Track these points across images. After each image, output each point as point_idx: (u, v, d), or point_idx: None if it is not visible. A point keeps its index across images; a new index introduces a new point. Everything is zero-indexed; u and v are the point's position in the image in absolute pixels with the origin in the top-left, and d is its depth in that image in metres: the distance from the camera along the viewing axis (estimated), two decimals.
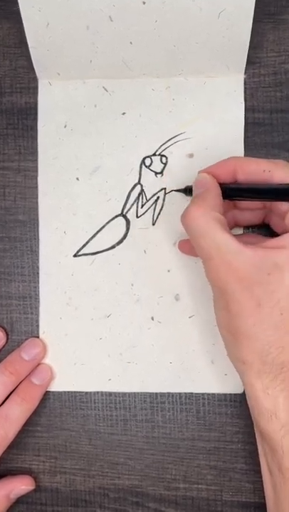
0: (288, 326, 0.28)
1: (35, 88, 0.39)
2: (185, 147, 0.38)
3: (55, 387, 0.39)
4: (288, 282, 0.28)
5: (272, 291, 0.28)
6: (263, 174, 0.31)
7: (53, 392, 0.39)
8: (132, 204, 0.38)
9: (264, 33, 0.38)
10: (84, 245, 0.38)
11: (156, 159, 0.38)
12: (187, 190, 0.35)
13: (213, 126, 0.38)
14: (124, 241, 0.38)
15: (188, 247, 0.36)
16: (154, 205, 0.38)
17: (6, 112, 0.39)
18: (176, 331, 0.38)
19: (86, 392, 0.39)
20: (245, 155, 0.38)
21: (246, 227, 0.37)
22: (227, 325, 0.30)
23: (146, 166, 0.38)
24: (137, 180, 0.38)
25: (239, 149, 0.38)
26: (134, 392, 0.39)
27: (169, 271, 0.37)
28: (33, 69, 0.38)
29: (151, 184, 0.38)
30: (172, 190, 0.36)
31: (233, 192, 0.32)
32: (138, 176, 0.38)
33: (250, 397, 0.30)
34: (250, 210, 0.35)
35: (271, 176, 0.31)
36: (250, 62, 0.37)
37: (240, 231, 0.37)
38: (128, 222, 0.38)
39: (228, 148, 0.38)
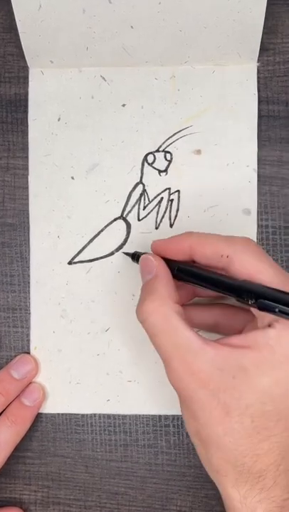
0: (262, 432, 0.27)
1: (26, 78, 0.38)
2: (192, 143, 0.37)
3: (48, 408, 0.37)
4: (256, 386, 0.27)
5: (239, 397, 0.27)
6: (221, 259, 0.29)
7: (45, 414, 0.38)
8: (133, 206, 0.37)
9: (279, 16, 0.37)
10: (80, 251, 0.37)
11: (159, 156, 0.37)
12: (135, 257, 0.34)
13: (223, 119, 0.37)
14: (125, 247, 0.37)
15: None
16: (157, 206, 0.37)
17: None
18: None
19: (82, 415, 0.37)
20: (258, 151, 0.37)
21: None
22: (197, 433, 0.28)
23: (148, 164, 0.37)
24: (138, 180, 0.37)
25: (252, 145, 0.37)
26: (136, 415, 0.37)
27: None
28: (23, 56, 0.37)
29: (155, 184, 0.37)
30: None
31: (183, 275, 0.30)
32: (140, 174, 0.37)
33: (228, 508, 0.29)
34: None
35: (229, 263, 0.28)
36: (263, 48, 0.36)
37: None
38: (128, 225, 0.37)
39: (239, 143, 0.37)
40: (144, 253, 0.33)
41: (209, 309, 0.34)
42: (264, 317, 0.28)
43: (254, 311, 0.28)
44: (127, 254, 0.36)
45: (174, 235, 0.31)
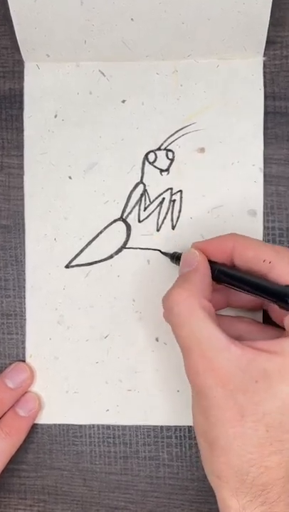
0: (275, 444, 0.27)
1: (21, 72, 0.37)
2: (195, 140, 0.37)
3: (44, 419, 0.37)
4: (277, 395, 0.27)
5: (258, 402, 0.27)
6: (262, 264, 0.29)
7: (41, 424, 0.37)
8: (133, 207, 0.37)
9: (287, 8, 0.37)
10: (77, 255, 0.37)
11: (161, 154, 0.37)
12: (174, 257, 0.35)
13: (228, 116, 0.37)
14: (124, 250, 0.37)
15: None
16: (158, 208, 0.37)
17: None
18: None
19: (80, 426, 0.37)
20: (265, 149, 0.36)
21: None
22: (204, 433, 0.28)
23: (149, 163, 0.37)
24: (138, 179, 0.37)
25: (258, 143, 0.36)
26: (136, 425, 0.37)
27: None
28: (18, 50, 0.37)
29: (156, 184, 0.37)
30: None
31: (223, 277, 0.31)
32: (140, 174, 0.37)
33: None
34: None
35: (270, 268, 0.29)
36: (270, 41, 0.36)
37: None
38: (129, 227, 0.37)
39: (244, 141, 0.36)
40: (180, 253, 0.34)
41: (235, 322, 0.34)
42: None
43: (286, 320, 0.29)
44: (165, 254, 0.36)
45: (218, 236, 0.32)
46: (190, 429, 0.37)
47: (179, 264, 0.33)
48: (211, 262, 0.31)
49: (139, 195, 0.37)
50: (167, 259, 0.36)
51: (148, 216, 0.37)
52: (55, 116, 0.37)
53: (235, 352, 0.27)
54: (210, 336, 0.28)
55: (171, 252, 0.35)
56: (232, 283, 0.31)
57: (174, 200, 0.37)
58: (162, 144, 0.37)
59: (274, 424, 0.26)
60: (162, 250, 0.36)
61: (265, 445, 0.26)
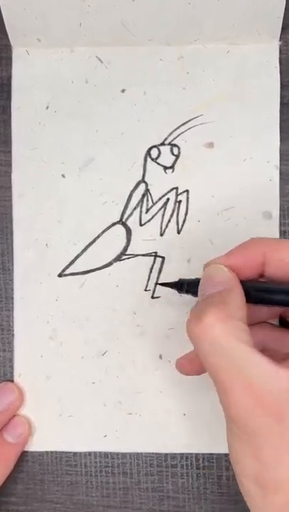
0: None
1: (9, 59, 0.37)
2: (203, 134, 0.36)
3: (35, 446, 0.36)
4: None
5: None
6: None
7: (31, 452, 0.36)
8: (134, 208, 0.36)
9: None
10: (72, 262, 0.37)
11: (165, 150, 0.36)
12: (180, 285, 0.32)
13: (240, 107, 0.36)
14: (124, 256, 0.36)
15: (193, 366, 0.33)
16: (162, 209, 0.36)
17: None
18: None
19: (74, 453, 0.36)
20: (281, 144, 0.36)
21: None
22: (256, 477, 0.26)
23: (152, 159, 0.36)
24: (140, 178, 0.36)
25: (273, 137, 0.36)
26: (137, 453, 0.36)
27: (181, 295, 0.34)
28: (5, 34, 0.36)
29: (159, 182, 0.36)
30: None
31: (260, 296, 0.29)
32: (142, 171, 0.36)
33: None
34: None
35: None
36: (286, 24, 0.35)
37: None
38: (129, 231, 0.36)
39: (258, 135, 0.36)
40: (192, 279, 0.31)
41: (256, 330, 0.32)
42: None
43: None
44: (165, 285, 0.33)
45: (236, 246, 0.30)
46: (197, 457, 0.36)
47: (189, 292, 0.31)
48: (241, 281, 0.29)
49: (140, 196, 0.36)
50: (172, 268, 0.35)
51: (150, 219, 0.36)
52: (47, 108, 0.37)
53: (284, 377, 0.25)
54: (254, 363, 0.25)
55: (175, 280, 0.32)
56: (273, 300, 0.28)
57: (180, 201, 0.36)
58: (166, 139, 0.36)
59: None
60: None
61: None
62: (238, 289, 0.28)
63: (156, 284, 0.35)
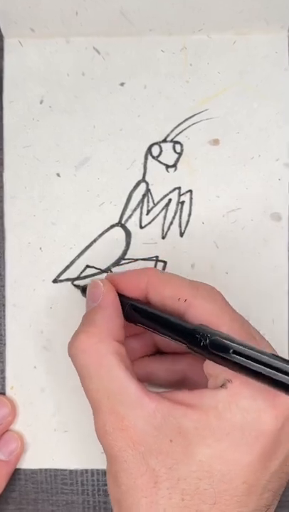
0: None
1: (1, 50, 0.36)
2: (207, 131, 0.36)
3: (28, 463, 0.36)
4: (193, 457, 0.25)
5: (172, 466, 0.25)
6: (178, 303, 0.29)
7: (24, 470, 0.36)
8: (134, 210, 0.36)
9: None
10: (67, 267, 0.36)
11: (167, 147, 0.36)
12: (82, 288, 0.34)
13: (247, 101, 0.36)
14: (123, 261, 0.36)
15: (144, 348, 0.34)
16: (164, 210, 0.36)
17: None
18: None
19: (71, 471, 0.35)
20: None
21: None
22: (117, 502, 0.27)
23: (153, 157, 0.36)
24: (140, 177, 0.36)
25: (282, 133, 0.35)
26: None
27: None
28: None
29: (161, 182, 0.36)
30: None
31: (136, 314, 0.30)
32: (142, 170, 0.36)
33: None
34: None
35: (187, 307, 0.29)
36: None
37: None
38: (128, 234, 0.36)
39: (266, 132, 0.35)
40: (86, 285, 0.33)
41: (176, 360, 0.33)
42: (217, 376, 0.27)
43: (206, 368, 0.28)
44: (76, 286, 0.35)
45: (133, 269, 0.32)
46: None
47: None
48: (124, 297, 0.31)
49: (140, 196, 0.36)
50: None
51: (151, 221, 0.36)
52: (41, 102, 0.36)
53: (149, 406, 0.26)
54: (121, 389, 0.27)
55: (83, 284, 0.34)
56: (143, 322, 0.30)
57: (183, 202, 0.36)
58: (168, 135, 0.36)
59: (190, 492, 0.25)
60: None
61: None
62: (109, 304, 0.30)
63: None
